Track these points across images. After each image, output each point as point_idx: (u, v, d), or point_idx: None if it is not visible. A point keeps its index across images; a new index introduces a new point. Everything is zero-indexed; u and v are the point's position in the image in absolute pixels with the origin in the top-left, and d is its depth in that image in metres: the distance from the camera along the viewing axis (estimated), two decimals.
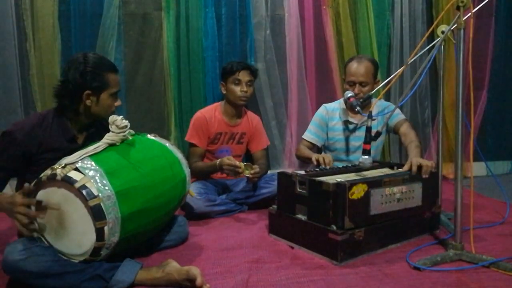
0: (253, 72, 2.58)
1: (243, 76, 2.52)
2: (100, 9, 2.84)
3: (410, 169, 1.92)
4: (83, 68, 1.61)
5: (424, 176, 1.89)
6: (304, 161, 2.54)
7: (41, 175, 1.41)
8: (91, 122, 1.75)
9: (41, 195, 1.42)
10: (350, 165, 2.19)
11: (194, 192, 2.29)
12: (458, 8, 1.63)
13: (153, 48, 2.99)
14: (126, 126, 1.57)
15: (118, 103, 1.74)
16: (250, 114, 2.72)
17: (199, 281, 1.41)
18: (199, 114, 2.59)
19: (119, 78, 1.73)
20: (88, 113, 1.69)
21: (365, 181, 1.72)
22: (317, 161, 2.19)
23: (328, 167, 2.13)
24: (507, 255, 1.67)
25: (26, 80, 2.82)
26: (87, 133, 1.76)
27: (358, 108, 2.20)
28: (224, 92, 2.59)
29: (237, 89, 2.52)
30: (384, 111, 2.44)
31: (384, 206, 1.77)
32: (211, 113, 2.59)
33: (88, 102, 1.65)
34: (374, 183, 1.73)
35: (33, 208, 1.43)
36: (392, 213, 1.81)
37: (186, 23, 2.94)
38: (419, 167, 1.90)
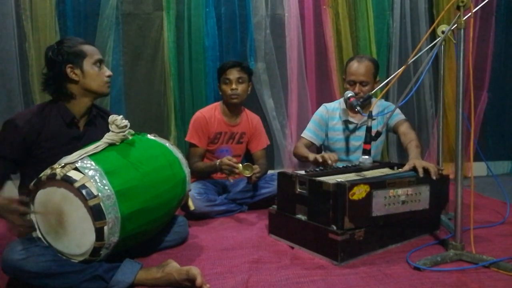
0: (244, 69, 2.53)
1: (232, 74, 2.50)
2: (98, 9, 2.84)
3: (411, 170, 1.91)
4: (57, 48, 1.67)
5: (434, 177, 1.86)
6: (300, 159, 2.53)
7: (40, 175, 1.41)
8: (90, 106, 1.76)
9: (41, 194, 1.42)
10: (350, 165, 2.19)
11: (194, 192, 2.28)
12: (458, 8, 1.63)
13: (153, 48, 2.98)
14: (126, 126, 1.57)
15: (108, 73, 1.76)
16: (249, 114, 2.72)
17: (198, 281, 1.41)
18: (198, 114, 2.59)
19: (96, 49, 1.76)
20: (81, 90, 1.71)
21: (367, 181, 1.70)
22: (323, 159, 2.17)
23: (330, 162, 2.12)
24: (508, 255, 1.67)
25: (26, 80, 2.83)
26: (87, 117, 1.77)
27: (358, 108, 2.20)
28: (220, 93, 2.60)
29: (227, 88, 2.51)
30: (384, 111, 2.44)
31: (387, 208, 1.75)
32: (211, 113, 2.59)
33: (74, 76, 1.68)
34: (377, 184, 1.71)
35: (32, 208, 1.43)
36: (396, 215, 1.78)
37: (188, 23, 2.94)
38: (426, 169, 1.87)
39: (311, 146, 2.55)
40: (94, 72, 1.72)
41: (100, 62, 1.74)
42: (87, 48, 1.72)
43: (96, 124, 1.80)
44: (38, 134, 1.63)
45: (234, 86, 2.49)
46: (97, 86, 1.73)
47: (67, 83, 1.69)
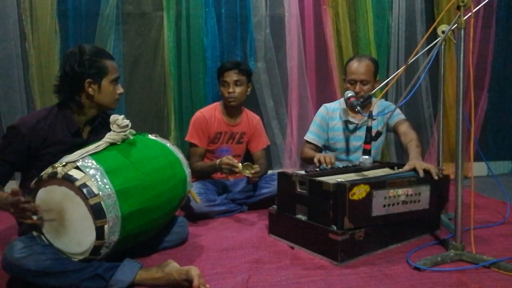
0: (242, 71, 2.51)
1: (229, 76, 2.48)
2: (98, 9, 2.84)
3: (411, 170, 1.91)
4: (80, 58, 1.63)
5: (436, 177, 1.85)
6: (308, 162, 2.53)
7: (41, 173, 1.41)
8: (95, 115, 1.76)
9: (42, 193, 1.43)
10: (350, 165, 2.19)
11: (194, 192, 2.28)
12: (458, 8, 1.62)
13: (153, 48, 2.99)
14: (127, 126, 1.57)
15: (120, 90, 1.76)
16: (250, 114, 2.71)
17: (195, 283, 1.40)
18: (199, 114, 2.59)
19: (116, 65, 1.75)
20: (92, 103, 1.70)
21: (367, 182, 1.70)
22: (319, 161, 2.18)
23: (329, 166, 2.12)
24: (508, 255, 1.67)
25: (27, 80, 2.83)
26: (91, 127, 1.76)
27: (358, 107, 2.20)
28: (220, 93, 2.59)
29: (225, 91, 2.50)
30: (385, 111, 2.44)
31: (387, 208, 1.75)
32: (211, 112, 2.58)
33: (90, 90, 1.66)
34: (377, 184, 1.71)
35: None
36: (396, 215, 1.78)
37: (187, 23, 2.94)
38: (426, 170, 1.87)
39: (316, 149, 2.55)
40: (110, 90, 1.71)
41: (117, 80, 1.74)
42: (110, 64, 1.70)
43: (100, 132, 1.77)
44: (42, 140, 1.62)
45: (231, 89, 2.48)
46: (108, 103, 1.72)
47: (81, 94, 1.67)
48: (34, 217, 1.41)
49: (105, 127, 1.79)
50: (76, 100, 1.68)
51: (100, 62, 1.66)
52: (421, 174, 1.85)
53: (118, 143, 1.56)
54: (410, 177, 1.84)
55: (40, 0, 2.77)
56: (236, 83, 2.49)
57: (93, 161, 1.44)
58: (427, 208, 1.87)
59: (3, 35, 2.75)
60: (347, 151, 2.52)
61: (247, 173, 2.24)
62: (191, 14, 2.93)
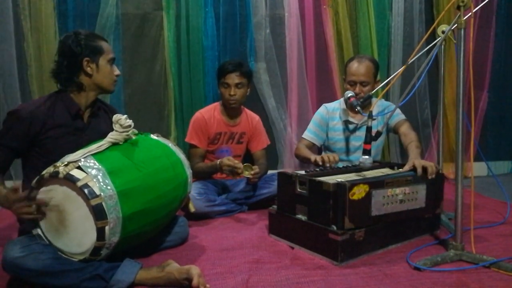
0: (243, 74, 2.49)
1: (231, 79, 2.47)
2: (98, 9, 2.84)
3: (411, 170, 1.92)
4: (76, 39, 1.68)
5: (430, 177, 1.88)
6: (302, 160, 2.53)
7: (43, 172, 1.41)
8: (95, 100, 1.78)
9: (43, 192, 1.42)
10: (350, 165, 2.19)
11: (194, 192, 2.28)
12: (458, 8, 1.63)
13: (153, 47, 2.99)
14: (130, 126, 1.57)
15: (117, 72, 1.80)
16: (249, 113, 2.71)
17: (195, 281, 1.41)
18: (198, 114, 2.59)
19: (111, 47, 1.80)
20: (91, 84, 1.73)
21: (366, 181, 1.71)
22: (322, 160, 2.17)
23: (332, 164, 2.13)
24: (508, 255, 1.67)
25: (25, 80, 2.82)
26: (92, 110, 1.78)
27: (358, 108, 2.20)
28: (219, 94, 2.59)
29: (226, 93, 2.50)
30: (385, 111, 2.44)
31: (386, 207, 1.76)
32: (210, 113, 2.58)
33: (88, 70, 1.70)
34: (375, 184, 1.72)
35: (34, 207, 1.43)
36: (394, 214, 1.79)
37: (186, 23, 2.94)
38: (424, 168, 1.89)
39: (312, 147, 2.55)
40: (107, 70, 1.74)
41: (113, 60, 1.78)
42: (105, 45, 1.75)
43: (99, 116, 1.82)
44: (42, 124, 1.63)
45: (232, 92, 2.47)
46: (107, 84, 1.76)
47: (80, 74, 1.71)
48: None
49: (103, 113, 1.84)
50: (75, 82, 1.70)
51: (95, 42, 1.72)
52: (419, 172, 1.87)
53: (121, 143, 1.56)
54: (407, 176, 1.85)
55: (40, 0, 2.77)
56: (237, 85, 2.48)
57: (95, 161, 1.44)
58: (423, 206, 1.89)
59: (2, 35, 2.75)
60: (347, 151, 2.52)
61: (247, 174, 2.24)
62: (190, 14, 2.93)
